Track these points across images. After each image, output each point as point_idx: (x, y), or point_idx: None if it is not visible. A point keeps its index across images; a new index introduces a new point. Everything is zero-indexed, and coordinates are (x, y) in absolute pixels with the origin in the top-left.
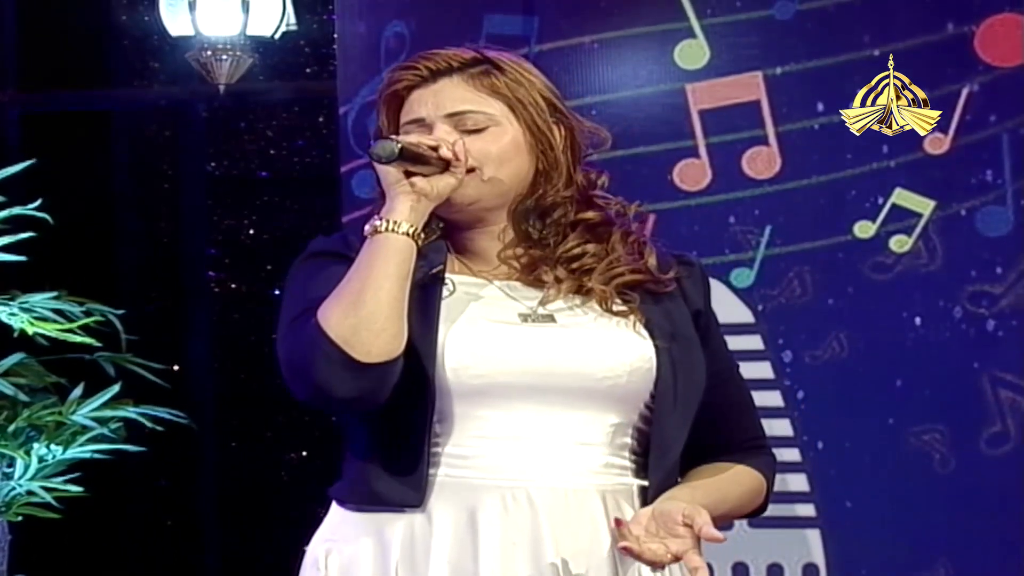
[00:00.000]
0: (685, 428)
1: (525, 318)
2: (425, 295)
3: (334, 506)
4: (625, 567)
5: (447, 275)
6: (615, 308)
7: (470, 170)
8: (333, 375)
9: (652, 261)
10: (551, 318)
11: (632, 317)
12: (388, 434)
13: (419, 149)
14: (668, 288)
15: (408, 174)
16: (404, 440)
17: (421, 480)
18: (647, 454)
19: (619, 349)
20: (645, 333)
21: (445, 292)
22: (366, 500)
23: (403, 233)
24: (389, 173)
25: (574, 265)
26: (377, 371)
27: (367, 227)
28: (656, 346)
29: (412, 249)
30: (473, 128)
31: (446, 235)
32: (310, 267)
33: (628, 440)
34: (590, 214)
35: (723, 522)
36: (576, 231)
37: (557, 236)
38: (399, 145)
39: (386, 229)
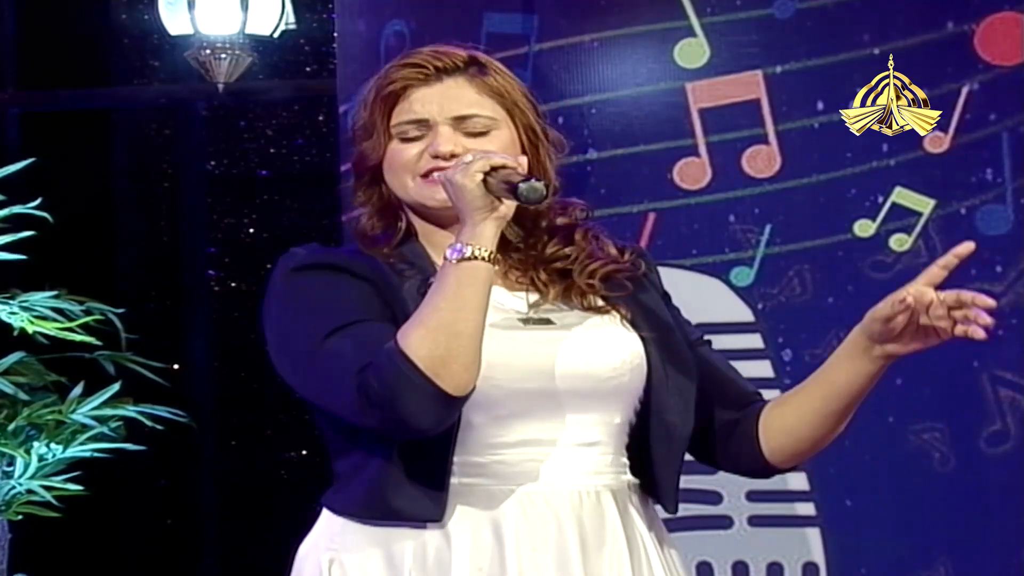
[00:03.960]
0: (689, 414)
1: (525, 323)
2: None
3: (331, 515)
4: (644, 563)
5: None
6: (597, 304)
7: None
8: (422, 407)
9: (612, 250)
10: (548, 321)
11: (614, 312)
12: (409, 448)
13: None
14: (638, 271)
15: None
16: (427, 454)
17: (443, 495)
18: (640, 449)
19: (617, 348)
20: (629, 326)
21: None
22: (383, 515)
23: (489, 260)
24: (478, 198)
25: (557, 266)
26: (460, 402)
27: (450, 252)
28: (643, 337)
29: (493, 275)
30: (477, 131)
31: (416, 237)
32: (318, 281)
33: (626, 438)
34: (563, 219)
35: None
36: (554, 236)
37: (537, 241)
38: (542, 183)
39: (473, 256)
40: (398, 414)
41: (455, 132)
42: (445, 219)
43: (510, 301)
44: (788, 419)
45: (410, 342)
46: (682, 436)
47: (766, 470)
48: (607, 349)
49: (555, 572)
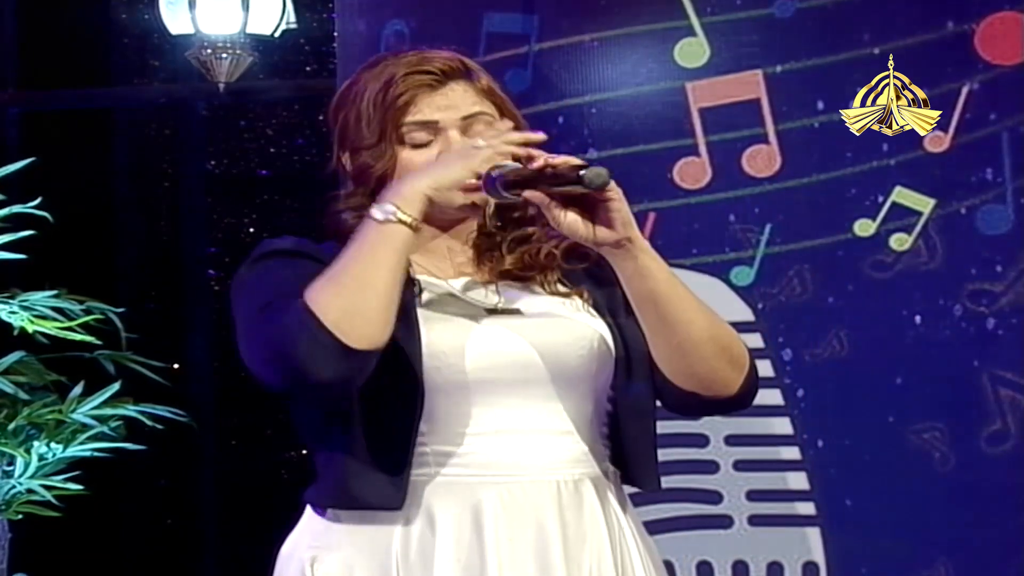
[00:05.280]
0: (652, 396)
1: (492, 313)
2: (401, 297)
3: (313, 512)
4: (623, 551)
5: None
6: (560, 290)
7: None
8: (317, 358)
9: None
10: (517, 311)
11: (577, 298)
12: (373, 437)
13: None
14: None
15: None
16: (388, 442)
17: (403, 482)
18: (615, 434)
19: (584, 336)
20: (594, 312)
21: (415, 292)
22: (343, 503)
23: (413, 228)
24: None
25: (523, 248)
26: (361, 358)
27: (378, 212)
28: (608, 324)
29: (412, 241)
30: (483, 130)
31: None
32: (272, 264)
33: (604, 427)
34: (533, 208)
35: (671, 311)
36: (523, 223)
37: (505, 228)
38: (604, 168)
39: (399, 221)
40: (294, 364)
41: (463, 137)
42: (445, 224)
43: (480, 294)
44: (652, 345)
45: (314, 294)
46: (648, 408)
47: (699, 399)
48: (574, 338)
49: (534, 562)
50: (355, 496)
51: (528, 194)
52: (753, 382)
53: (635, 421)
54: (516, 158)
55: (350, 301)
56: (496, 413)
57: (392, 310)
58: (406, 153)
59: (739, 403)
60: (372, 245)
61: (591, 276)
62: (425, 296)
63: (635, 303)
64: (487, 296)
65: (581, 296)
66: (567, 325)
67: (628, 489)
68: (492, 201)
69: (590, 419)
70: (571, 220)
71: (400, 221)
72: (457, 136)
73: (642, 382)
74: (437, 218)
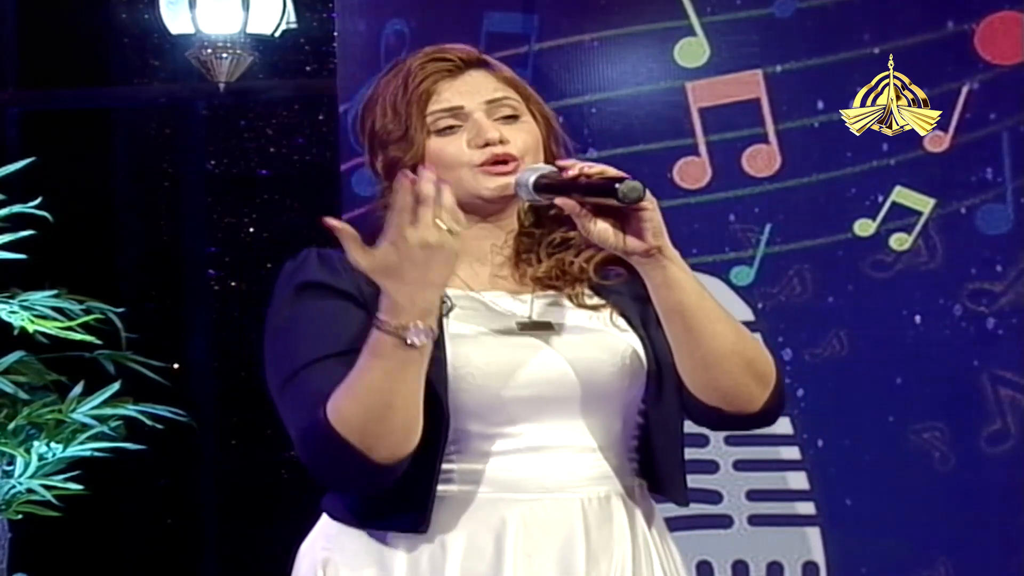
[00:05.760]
0: (681, 409)
1: (523, 327)
2: None
3: (328, 516)
4: (641, 568)
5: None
6: (591, 303)
7: (515, 159)
8: (359, 478)
9: None
10: (548, 325)
11: (605, 311)
12: None
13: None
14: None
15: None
16: (415, 465)
17: (428, 505)
18: (646, 450)
19: (618, 351)
20: (626, 324)
21: (444, 310)
22: (369, 523)
23: (429, 338)
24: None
25: (559, 253)
26: (392, 468)
27: (411, 336)
28: (640, 336)
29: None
30: (509, 115)
31: None
32: (306, 303)
33: (633, 441)
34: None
35: (701, 325)
36: (562, 224)
37: (545, 227)
38: (637, 180)
39: (422, 341)
40: (335, 483)
41: (490, 120)
42: (487, 212)
43: (511, 305)
44: (676, 357)
45: (343, 416)
46: (678, 422)
47: (720, 415)
48: (608, 354)
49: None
50: (377, 515)
51: (560, 201)
52: (778, 400)
53: (665, 435)
54: (551, 162)
55: (379, 425)
56: (524, 431)
57: (419, 418)
58: (433, 142)
59: (763, 420)
60: (402, 367)
61: (624, 290)
62: (453, 312)
63: (662, 314)
64: (518, 306)
65: (609, 309)
66: (599, 340)
67: None
68: (525, 200)
69: (619, 434)
70: (601, 229)
71: (429, 335)
72: (484, 119)
73: (672, 395)
74: (476, 207)
